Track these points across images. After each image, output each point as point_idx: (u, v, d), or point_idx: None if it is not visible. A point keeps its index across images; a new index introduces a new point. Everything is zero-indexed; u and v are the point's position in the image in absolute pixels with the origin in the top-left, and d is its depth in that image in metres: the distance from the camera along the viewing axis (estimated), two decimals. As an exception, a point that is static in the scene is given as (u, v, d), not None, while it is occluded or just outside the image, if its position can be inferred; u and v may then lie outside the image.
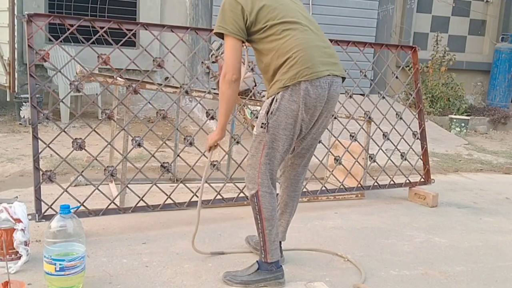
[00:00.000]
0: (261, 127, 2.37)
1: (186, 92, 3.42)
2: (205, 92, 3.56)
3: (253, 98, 3.94)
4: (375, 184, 4.08)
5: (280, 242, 2.65)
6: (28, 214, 2.58)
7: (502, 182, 5.08)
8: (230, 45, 2.34)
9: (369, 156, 4.05)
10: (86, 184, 3.48)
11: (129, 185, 3.23)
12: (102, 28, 3.11)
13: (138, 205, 3.13)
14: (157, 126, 5.77)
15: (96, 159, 3.10)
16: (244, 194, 3.47)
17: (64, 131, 2.94)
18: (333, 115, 3.89)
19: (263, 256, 2.43)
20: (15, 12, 5.34)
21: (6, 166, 4.27)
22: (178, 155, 3.48)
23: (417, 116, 4.28)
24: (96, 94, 6.30)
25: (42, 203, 2.83)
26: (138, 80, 3.30)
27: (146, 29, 3.27)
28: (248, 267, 2.49)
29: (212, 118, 3.38)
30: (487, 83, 9.36)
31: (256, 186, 2.40)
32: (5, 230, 2.44)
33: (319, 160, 3.84)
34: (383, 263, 2.83)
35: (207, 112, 3.39)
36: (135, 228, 3.11)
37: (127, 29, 3.19)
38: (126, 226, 3.12)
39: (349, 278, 2.59)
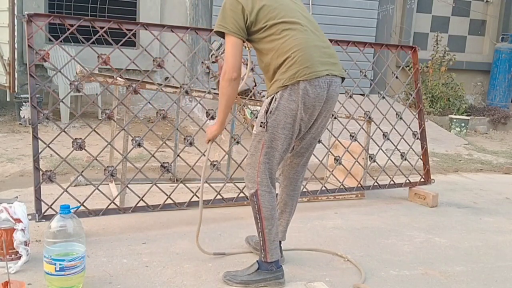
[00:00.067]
0: (260, 126, 2.38)
1: (186, 92, 3.42)
2: (205, 92, 3.56)
3: (253, 98, 3.94)
4: (375, 184, 4.08)
5: (280, 242, 2.65)
6: (28, 214, 2.58)
7: (502, 182, 5.08)
8: (230, 43, 2.36)
9: (369, 156, 4.05)
10: (86, 184, 3.48)
11: (129, 185, 3.23)
12: (102, 28, 3.11)
13: (138, 205, 3.13)
14: (157, 126, 5.77)
15: (96, 159, 3.10)
16: (244, 194, 3.47)
17: (64, 131, 2.94)
18: (333, 115, 3.89)
19: (263, 255, 2.43)
20: (15, 12, 5.33)
21: (6, 166, 4.27)
22: (178, 155, 3.48)
23: (417, 116, 4.28)
24: (96, 94, 6.30)
25: (42, 203, 2.84)
26: (138, 80, 3.30)
27: (146, 29, 3.27)
28: (248, 267, 2.49)
29: (212, 118, 3.38)
30: (487, 83, 9.36)
31: (255, 185, 2.41)
32: (5, 230, 2.44)
33: (319, 160, 3.84)
34: (383, 263, 2.83)
35: (207, 112, 3.39)
36: (135, 228, 3.11)
37: (127, 29, 3.19)
38: (126, 226, 3.12)
39: (349, 278, 2.59)
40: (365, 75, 3.93)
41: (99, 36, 3.09)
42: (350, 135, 3.94)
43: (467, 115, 8.05)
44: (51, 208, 2.83)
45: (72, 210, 2.33)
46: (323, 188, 3.84)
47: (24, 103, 5.79)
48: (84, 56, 4.47)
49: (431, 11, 9.13)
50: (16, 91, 5.67)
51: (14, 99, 5.98)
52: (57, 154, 3.04)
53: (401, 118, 4.13)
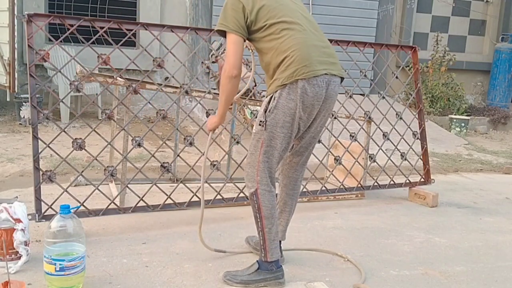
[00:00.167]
0: (259, 125, 2.40)
1: (186, 92, 3.42)
2: (205, 92, 3.56)
3: (253, 98, 3.94)
4: (375, 184, 4.08)
5: (280, 242, 2.65)
6: (28, 214, 2.58)
7: (502, 182, 5.08)
8: (231, 41, 2.38)
9: (369, 156, 4.05)
10: (86, 184, 3.48)
11: (129, 185, 3.23)
12: (102, 28, 3.11)
13: (138, 205, 3.13)
14: (157, 126, 5.77)
15: (96, 159, 3.10)
16: (244, 194, 3.47)
17: (64, 131, 2.94)
18: (333, 115, 3.89)
19: (263, 255, 2.44)
20: (15, 12, 5.33)
21: (6, 166, 4.27)
22: (178, 155, 3.48)
23: (417, 116, 4.28)
24: (96, 94, 6.30)
25: (42, 203, 2.83)
26: (138, 80, 3.30)
27: (146, 29, 3.27)
28: (248, 266, 2.50)
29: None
30: (487, 83, 9.36)
31: (255, 184, 2.42)
32: (5, 230, 2.44)
33: (319, 160, 3.85)
34: (383, 263, 2.83)
35: (207, 112, 3.39)
36: (135, 228, 3.11)
37: (127, 29, 3.20)
38: (126, 226, 3.12)
39: (349, 278, 2.59)
40: (365, 75, 3.93)
41: (99, 36, 3.09)
42: (350, 135, 3.94)
43: (467, 115, 8.05)
44: (51, 208, 2.83)
45: (72, 210, 2.33)
46: (323, 188, 3.84)
47: (24, 103, 5.79)
48: (84, 56, 4.47)
49: (431, 11, 9.13)
50: (16, 91, 5.67)
51: (14, 99, 5.98)
52: (57, 154, 3.04)
53: (401, 118, 4.13)
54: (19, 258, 2.45)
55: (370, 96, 4.10)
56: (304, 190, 3.72)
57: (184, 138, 3.32)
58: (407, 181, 4.20)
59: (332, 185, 4.05)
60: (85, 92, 5.66)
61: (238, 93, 2.91)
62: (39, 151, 2.86)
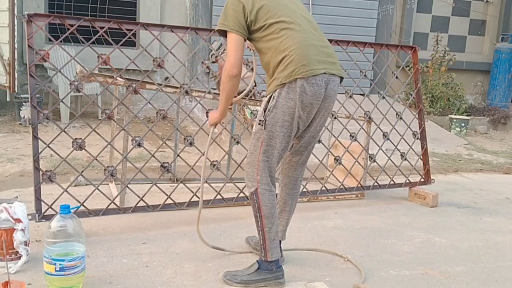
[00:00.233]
0: (259, 124, 2.41)
1: (186, 92, 3.42)
2: (205, 92, 3.56)
3: (253, 98, 3.94)
4: (375, 184, 4.08)
5: (280, 242, 2.65)
6: (28, 214, 2.58)
7: (502, 182, 5.08)
8: (231, 41, 2.40)
9: (369, 156, 4.05)
10: (86, 184, 3.48)
11: (129, 185, 3.23)
12: (102, 28, 3.11)
13: (138, 205, 3.13)
14: (157, 126, 5.77)
15: (96, 159, 3.10)
16: (244, 194, 3.47)
17: (64, 131, 2.94)
18: (333, 115, 3.89)
19: (263, 254, 2.44)
20: (15, 12, 5.33)
21: (6, 166, 4.27)
22: (178, 155, 3.48)
23: (417, 116, 4.28)
24: (96, 94, 6.30)
25: (42, 203, 2.84)
26: (138, 80, 3.30)
27: (146, 29, 3.27)
28: (248, 266, 2.50)
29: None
30: (487, 83, 9.36)
31: (255, 184, 2.42)
32: (5, 230, 2.44)
33: (319, 160, 3.85)
34: (383, 263, 2.83)
35: (207, 112, 3.38)
36: (135, 228, 3.11)
37: (127, 29, 3.20)
38: (126, 226, 3.12)
39: (349, 278, 2.59)
40: (365, 75, 3.93)
41: (99, 36, 3.09)
42: (350, 135, 3.94)
43: (467, 115, 8.05)
44: (51, 208, 2.83)
45: (72, 210, 2.33)
46: (323, 188, 3.84)
47: (24, 103, 5.79)
48: (84, 56, 4.47)
49: (431, 11, 9.13)
50: (16, 91, 5.67)
51: (14, 99, 5.98)
52: (57, 154, 3.04)
53: (401, 118, 4.13)
54: (19, 258, 2.45)
55: (370, 96, 4.10)
56: (304, 190, 3.72)
57: (184, 138, 3.32)
58: (407, 181, 4.20)
59: (332, 185, 4.05)
60: (85, 92, 5.65)
61: (239, 94, 2.93)
62: (39, 151, 2.86)
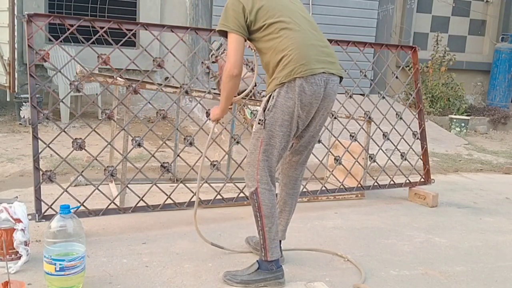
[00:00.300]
0: (259, 123, 2.42)
1: (186, 92, 3.42)
2: (205, 92, 3.56)
3: (253, 98, 3.94)
4: (375, 184, 4.08)
5: (280, 242, 2.65)
6: (28, 214, 2.58)
7: (502, 182, 5.08)
8: (232, 41, 2.41)
9: (369, 156, 4.05)
10: (86, 184, 3.48)
11: (129, 185, 3.23)
12: (102, 28, 3.11)
13: (138, 205, 3.13)
14: (157, 126, 5.77)
15: (96, 159, 3.10)
16: (244, 194, 3.47)
17: (64, 131, 2.94)
18: (333, 115, 3.89)
19: (263, 254, 2.44)
20: (15, 12, 5.33)
21: (6, 166, 4.27)
22: (178, 155, 3.48)
23: (417, 116, 4.28)
24: (96, 94, 6.30)
25: (42, 203, 2.83)
26: (138, 80, 3.30)
27: (146, 29, 3.27)
28: (248, 266, 2.50)
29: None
30: (487, 83, 9.36)
31: (255, 183, 2.42)
32: (5, 230, 2.44)
33: (319, 160, 3.85)
34: (383, 263, 2.83)
35: (207, 112, 3.39)
36: (135, 228, 3.11)
37: (127, 29, 3.20)
38: (126, 226, 3.12)
39: (349, 278, 2.59)
40: (365, 75, 3.93)
41: (99, 36, 3.09)
42: (350, 135, 3.94)
43: (467, 115, 8.05)
44: (51, 208, 2.83)
45: (72, 210, 2.33)
46: (323, 188, 3.84)
47: (24, 103, 5.79)
48: (84, 56, 4.47)
49: (431, 11, 9.13)
50: (16, 91, 5.67)
51: (14, 99, 5.98)
52: (57, 154, 3.04)
53: (401, 118, 4.13)
54: (19, 258, 2.45)
55: (370, 96, 4.10)
56: (304, 190, 3.72)
57: (184, 138, 3.32)
58: (407, 181, 4.20)
59: (332, 185, 4.05)
60: (85, 92, 5.65)
61: (240, 94, 2.94)
62: (39, 151, 2.86)
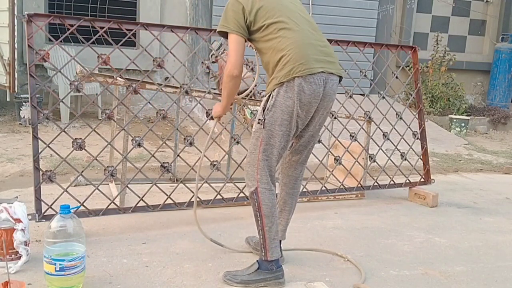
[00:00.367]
0: (258, 123, 2.43)
1: (186, 92, 3.42)
2: (205, 92, 3.56)
3: (253, 98, 3.94)
4: (375, 184, 4.08)
5: (280, 242, 2.65)
6: (28, 214, 2.58)
7: (502, 182, 5.08)
8: (232, 42, 2.43)
9: (369, 156, 4.05)
10: (86, 184, 3.48)
11: (129, 185, 3.23)
12: (102, 28, 3.11)
13: (138, 205, 3.13)
14: (157, 126, 5.77)
15: (96, 159, 3.10)
16: (244, 194, 3.47)
17: (64, 131, 2.94)
18: (333, 115, 3.89)
19: (263, 254, 2.44)
20: (15, 12, 5.33)
21: (6, 166, 4.27)
22: (178, 155, 3.48)
23: (417, 116, 4.28)
24: (96, 94, 6.30)
25: (42, 203, 2.83)
26: (138, 80, 3.30)
27: (146, 29, 3.27)
28: (248, 266, 2.50)
29: (212, 118, 3.37)
30: (487, 83, 9.36)
31: (255, 183, 2.43)
32: (5, 230, 2.44)
33: (319, 160, 3.85)
34: (383, 263, 2.83)
35: (207, 112, 3.39)
36: (135, 228, 3.11)
37: (127, 29, 3.20)
38: (126, 226, 3.12)
39: (349, 278, 2.59)
40: (365, 75, 3.93)
41: (99, 36, 3.09)
42: (350, 135, 3.94)
43: (467, 115, 8.05)
44: (51, 208, 2.83)
45: (72, 210, 2.33)
46: (323, 188, 3.84)
47: (24, 103, 5.79)
48: (84, 56, 4.47)
49: (431, 11, 9.13)
50: (16, 91, 5.67)
51: (14, 99, 5.98)
52: (57, 154, 3.04)
53: (401, 118, 4.13)
54: (19, 258, 2.45)
55: (370, 96, 4.10)
56: (304, 190, 3.72)
57: (184, 138, 3.32)
58: (407, 181, 4.20)
59: (332, 185, 4.05)
60: (85, 92, 5.65)
61: (241, 93, 2.96)
62: (39, 151, 2.86)
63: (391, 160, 4.14)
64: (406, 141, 4.19)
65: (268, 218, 2.42)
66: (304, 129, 2.52)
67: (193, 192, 3.27)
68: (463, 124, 7.47)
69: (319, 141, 3.59)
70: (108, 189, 3.70)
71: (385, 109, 4.14)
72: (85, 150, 3.00)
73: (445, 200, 4.20)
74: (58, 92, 6.01)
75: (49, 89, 4.21)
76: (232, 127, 4.00)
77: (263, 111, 2.41)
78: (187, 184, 3.33)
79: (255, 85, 3.03)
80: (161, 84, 3.41)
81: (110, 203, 3.03)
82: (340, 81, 2.52)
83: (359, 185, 4.01)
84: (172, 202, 3.23)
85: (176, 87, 3.48)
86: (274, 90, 2.39)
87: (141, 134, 3.27)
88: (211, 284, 2.43)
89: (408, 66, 7.00)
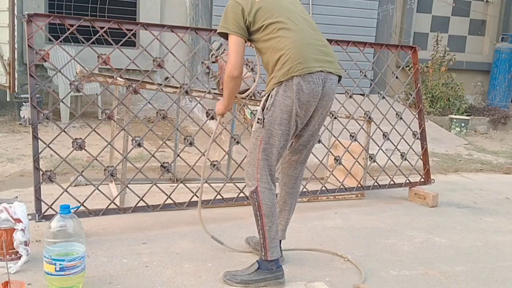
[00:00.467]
0: (258, 123, 2.44)
1: (186, 92, 3.42)
2: (205, 92, 3.56)
3: (253, 98, 3.93)
4: (375, 184, 4.08)
5: (280, 241, 2.65)
6: (28, 214, 2.58)
7: (502, 182, 5.08)
8: (232, 43, 2.45)
9: (369, 156, 4.05)
10: (86, 184, 3.48)
11: (129, 185, 3.23)
12: (102, 28, 3.11)
13: (138, 205, 3.13)
14: (157, 126, 5.77)
15: (96, 159, 3.10)
16: (244, 194, 3.47)
17: (64, 131, 2.94)
18: (333, 115, 3.89)
19: (263, 253, 2.44)
20: (15, 12, 5.33)
21: (6, 166, 4.27)
22: (178, 155, 3.48)
23: (417, 116, 4.28)
24: (96, 94, 6.30)
25: (42, 203, 2.83)
26: (138, 80, 3.30)
27: (146, 29, 3.27)
28: (248, 266, 2.50)
29: (212, 118, 3.38)
30: (487, 83, 9.36)
31: (255, 183, 2.43)
32: (5, 230, 2.44)
33: (319, 160, 3.85)
34: (383, 263, 2.83)
35: (207, 112, 3.39)
36: (135, 228, 3.11)
37: (127, 29, 3.20)
38: (126, 226, 3.12)
39: (349, 278, 2.59)
40: (365, 75, 3.93)
41: (99, 36, 3.09)
42: (350, 135, 3.94)
43: (467, 115, 8.05)
44: (51, 208, 2.83)
45: (72, 210, 2.33)
46: (323, 188, 3.84)
47: (24, 103, 5.79)
48: (84, 56, 4.47)
49: (431, 11, 9.13)
50: (16, 91, 5.67)
51: (14, 99, 5.98)
52: (57, 154, 3.04)
53: (401, 118, 4.13)
54: (19, 258, 2.45)
55: (370, 96, 4.10)
56: (304, 190, 3.72)
57: (184, 138, 3.32)
58: (407, 181, 4.20)
59: (332, 185, 4.05)
60: (85, 92, 5.65)
61: (242, 93, 2.97)
62: (39, 151, 2.86)
63: (391, 160, 4.14)
64: (406, 141, 4.19)
65: (268, 217, 2.43)
66: (303, 129, 2.52)
67: (193, 192, 3.29)
68: (463, 124, 7.47)
69: (319, 141, 3.59)
70: (108, 189, 3.70)
71: (385, 109, 4.14)
72: (85, 150, 3.00)
73: (445, 200, 4.20)
74: (58, 92, 6.01)
75: (49, 89, 4.21)
76: (232, 127, 4.00)
77: (262, 110, 2.42)
78: (187, 184, 3.33)
79: (256, 85, 3.03)
80: (161, 84, 3.41)
81: (110, 203, 3.03)
82: (339, 80, 2.53)
83: (359, 185, 4.01)
84: (172, 202, 3.23)
85: (176, 87, 3.48)
86: (273, 89, 2.40)
87: (141, 134, 3.27)
88: (211, 284, 2.43)
89: (408, 66, 7.00)
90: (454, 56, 8.37)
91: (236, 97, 2.90)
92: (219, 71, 5.53)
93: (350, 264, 2.77)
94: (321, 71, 2.39)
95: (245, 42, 2.49)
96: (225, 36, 2.49)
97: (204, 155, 2.81)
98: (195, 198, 3.27)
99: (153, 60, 3.26)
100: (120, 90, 5.23)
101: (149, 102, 3.25)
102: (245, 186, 2.86)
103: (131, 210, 3.11)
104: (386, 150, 4.16)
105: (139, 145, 3.13)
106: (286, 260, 2.70)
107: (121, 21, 3.20)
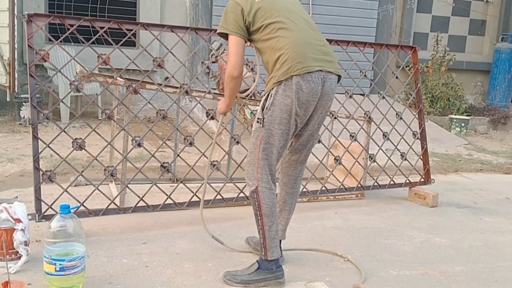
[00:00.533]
0: (257, 122, 2.44)
1: (186, 92, 3.42)
2: (205, 92, 3.56)
3: (253, 98, 3.93)
4: (375, 184, 4.08)
5: (280, 241, 2.65)
6: (28, 214, 2.58)
7: (502, 182, 5.08)
8: (232, 43, 2.46)
9: (369, 156, 4.05)
10: (86, 184, 3.48)
11: (129, 185, 3.23)
12: (102, 28, 3.11)
13: (138, 205, 3.13)
14: (157, 126, 5.77)
15: (96, 159, 3.10)
16: (244, 194, 3.47)
17: (64, 131, 2.94)
18: (333, 115, 3.89)
19: (263, 253, 2.44)
20: (15, 12, 5.33)
21: (6, 166, 4.27)
22: (178, 155, 3.48)
23: (417, 116, 4.28)
24: (96, 94, 6.30)
25: (42, 203, 2.84)
26: (138, 80, 3.30)
27: (146, 29, 3.27)
28: (248, 266, 2.50)
29: (212, 118, 3.38)
30: (487, 83, 9.36)
31: (255, 182, 2.43)
32: (5, 230, 2.44)
33: (319, 160, 3.85)
34: (383, 263, 2.83)
35: (207, 112, 3.39)
36: (135, 228, 3.11)
37: (127, 29, 3.20)
38: (126, 226, 3.12)
39: (349, 278, 2.59)
40: (365, 75, 3.93)
41: (99, 36, 3.09)
42: (350, 135, 3.94)
43: (467, 115, 8.05)
44: (51, 208, 2.83)
45: (72, 210, 2.33)
46: (323, 188, 3.84)
47: (24, 103, 5.79)
48: (84, 56, 4.47)
49: (431, 11, 9.13)
50: (16, 91, 5.67)
51: (14, 99, 5.98)
52: (57, 154, 3.04)
53: (401, 118, 4.13)
54: (19, 258, 2.45)
55: (370, 96, 4.10)
56: (304, 190, 3.72)
57: (184, 138, 3.32)
58: (407, 181, 4.20)
59: (332, 185, 4.05)
60: (85, 92, 5.65)
61: (242, 93, 2.97)
62: (39, 151, 2.86)
63: (391, 160, 4.14)
64: (406, 141, 4.19)
65: (268, 217, 2.43)
66: (303, 128, 2.52)
67: (193, 192, 3.29)
68: (463, 124, 7.47)
69: (319, 141, 3.60)
70: (108, 189, 3.70)
71: (385, 109, 4.14)
72: (85, 150, 3.00)
73: (445, 200, 4.20)
74: (58, 92, 6.01)
75: (49, 89, 4.21)
76: (232, 127, 4.00)
77: (262, 110, 2.42)
78: (187, 184, 3.33)
79: (256, 85, 3.04)
80: (161, 84, 3.41)
81: (110, 203, 3.03)
82: (339, 80, 2.53)
83: (359, 185, 4.01)
84: (172, 202, 3.23)
85: (176, 87, 3.48)
86: (272, 89, 2.40)
87: (141, 134, 3.27)
88: (211, 284, 2.43)
89: (408, 66, 7.00)
90: (454, 56, 8.37)
91: (236, 96, 2.90)
92: (219, 71, 5.53)
93: (350, 264, 2.77)
94: (320, 70, 2.39)
95: (245, 42, 2.49)
96: (225, 36, 2.49)
97: (204, 155, 2.80)
98: (195, 198, 3.28)
99: (153, 60, 3.26)
100: (120, 90, 5.23)
101: (149, 102, 3.25)
102: (245, 186, 2.86)
103: (131, 210, 3.11)
104: (386, 150, 4.16)
105: (139, 145, 3.13)
106: (286, 260, 2.70)
107: (121, 21, 3.21)
